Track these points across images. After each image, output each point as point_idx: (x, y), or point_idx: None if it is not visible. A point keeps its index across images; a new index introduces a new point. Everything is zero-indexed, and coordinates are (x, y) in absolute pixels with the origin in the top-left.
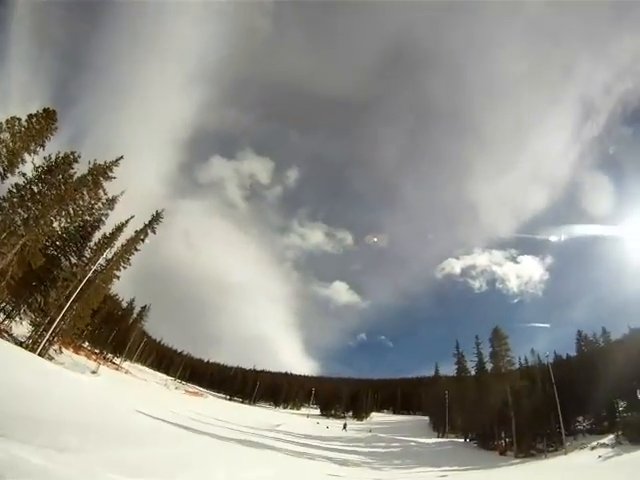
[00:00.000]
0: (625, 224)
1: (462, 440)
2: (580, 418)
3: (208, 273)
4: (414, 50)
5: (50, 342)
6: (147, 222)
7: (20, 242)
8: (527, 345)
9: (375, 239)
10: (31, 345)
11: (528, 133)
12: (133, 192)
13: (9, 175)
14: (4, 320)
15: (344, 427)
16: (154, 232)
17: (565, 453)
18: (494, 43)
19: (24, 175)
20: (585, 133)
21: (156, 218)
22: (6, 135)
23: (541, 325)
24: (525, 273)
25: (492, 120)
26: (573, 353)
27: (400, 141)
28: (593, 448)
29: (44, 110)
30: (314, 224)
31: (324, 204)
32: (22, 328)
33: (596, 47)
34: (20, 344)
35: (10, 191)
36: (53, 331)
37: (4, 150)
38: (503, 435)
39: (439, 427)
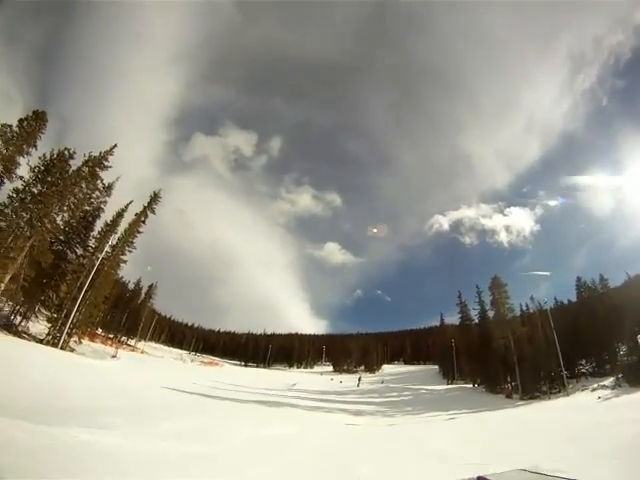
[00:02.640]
0: (620, 174)
1: (470, 386)
2: (582, 361)
3: (209, 246)
4: (398, 9)
5: (69, 334)
6: (146, 204)
7: (28, 244)
8: (528, 293)
9: (375, 230)
10: (52, 340)
11: (519, 86)
12: (127, 177)
13: (6, 181)
14: (21, 322)
15: (358, 382)
16: (154, 212)
17: (567, 394)
18: None
19: (22, 178)
20: (577, 85)
21: (154, 199)
22: None
23: (541, 273)
24: (524, 224)
25: (481, 74)
26: (574, 299)
27: (388, 101)
28: (594, 390)
29: (34, 112)
30: (302, 189)
31: (311, 168)
32: (39, 326)
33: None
34: (40, 342)
35: (10, 196)
36: (71, 323)
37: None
38: (509, 379)
39: (448, 375)
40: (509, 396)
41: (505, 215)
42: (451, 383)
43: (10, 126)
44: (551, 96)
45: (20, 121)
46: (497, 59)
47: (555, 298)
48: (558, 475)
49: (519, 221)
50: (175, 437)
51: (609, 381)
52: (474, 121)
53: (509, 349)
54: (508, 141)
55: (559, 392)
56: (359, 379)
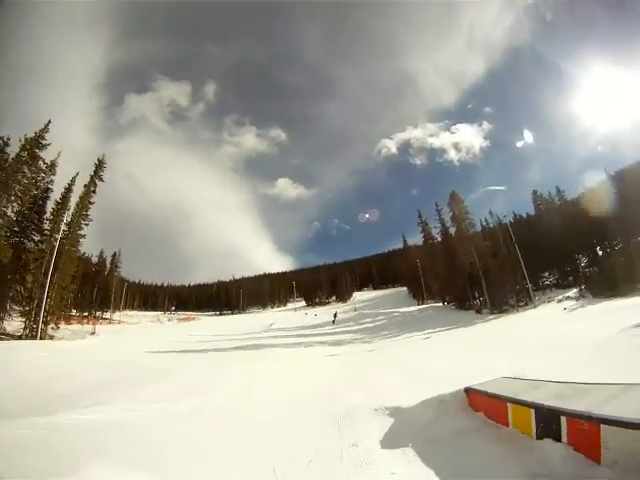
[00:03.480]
0: (571, 86)
1: (441, 304)
2: (546, 274)
3: (163, 203)
4: None
5: (45, 323)
6: (92, 173)
7: None
8: (487, 209)
9: (367, 215)
10: (29, 333)
11: (456, 2)
12: (69, 151)
13: None
14: None
15: (334, 318)
16: (102, 180)
17: (534, 307)
18: None
19: None
20: (519, 1)
21: (100, 165)
22: None
23: (497, 188)
24: (473, 141)
25: None
26: (532, 213)
27: (322, 28)
28: (560, 301)
29: None
30: (243, 129)
31: (250, 108)
32: (15, 323)
33: None
34: (19, 337)
35: None
36: (44, 311)
37: None
38: (477, 295)
39: (418, 295)
40: (479, 311)
41: (453, 133)
42: (422, 303)
43: None
44: (492, 13)
45: None
46: None
47: (514, 212)
48: (535, 379)
49: (468, 138)
50: (163, 399)
51: (573, 292)
52: (413, 40)
53: (474, 265)
54: (450, 58)
55: (526, 305)
56: (334, 315)
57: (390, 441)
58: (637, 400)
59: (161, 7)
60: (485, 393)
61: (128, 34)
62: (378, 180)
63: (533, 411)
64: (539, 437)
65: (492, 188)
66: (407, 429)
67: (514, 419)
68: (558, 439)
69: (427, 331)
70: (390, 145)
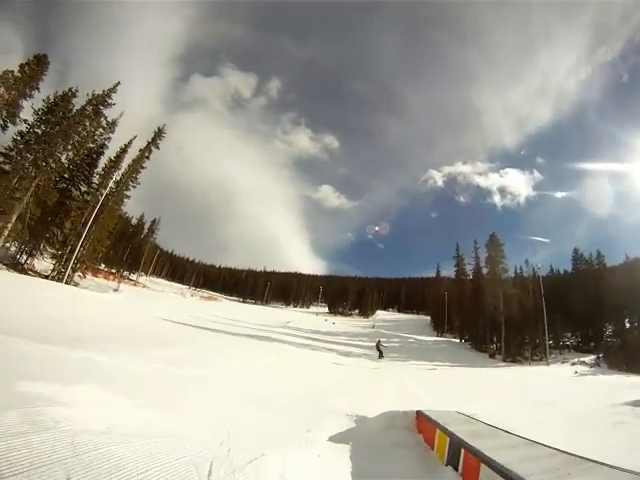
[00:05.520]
0: (628, 158)
1: (458, 340)
2: (569, 334)
3: (210, 182)
4: None
5: (73, 269)
6: (150, 139)
7: (33, 184)
8: (525, 257)
9: (377, 228)
10: (56, 276)
11: (537, 47)
12: (131, 114)
13: (10, 125)
14: (27, 260)
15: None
16: (158, 148)
17: (547, 364)
18: None
19: (26, 121)
20: (598, 56)
21: (158, 134)
22: (1, 90)
23: (541, 239)
24: (521, 188)
25: (498, 29)
26: (570, 270)
27: (399, 42)
28: (573, 364)
29: (35, 56)
30: (298, 129)
31: (310, 110)
32: (45, 263)
33: None
34: (46, 277)
35: (15, 139)
36: (75, 258)
37: (1, 102)
38: (495, 339)
39: (438, 327)
40: (492, 356)
41: (502, 176)
42: (440, 335)
43: (12, 72)
44: (569, 62)
45: (21, 66)
46: (517, 13)
47: (551, 266)
48: (480, 420)
49: (516, 183)
50: (164, 361)
51: (589, 358)
52: (487, 74)
53: (498, 309)
54: (520, 100)
55: (540, 360)
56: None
57: (337, 437)
58: (531, 455)
59: None
60: (427, 418)
61: (212, 15)
62: (420, 206)
63: (449, 439)
64: (447, 463)
65: (536, 239)
66: (358, 432)
67: (438, 444)
68: (457, 468)
69: (435, 363)
70: (437, 177)
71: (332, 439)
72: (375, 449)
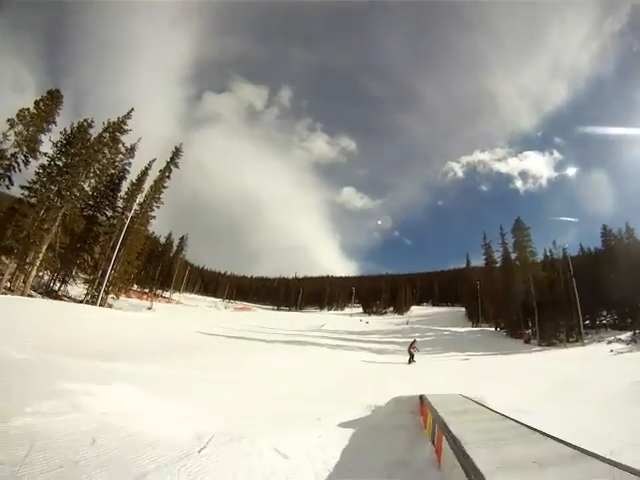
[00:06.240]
0: None
1: (493, 329)
2: (604, 312)
3: (236, 195)
4: None
5: (106, 292)
6: (169, 159)
7: (60, 214)
8: (558, 239)
9: (379, 222)
10: (90, 300)
11: (545, 26)
12: (151, 136)
13: (31, 160)
14: (60, 286)
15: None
16: (177, 167)
17: (583, 345)
18: None
19: (46, 154)
20: (606, 27)
21: (176, 153)
22: (19, 127)
23: (568, 219)
24: (542, 169)
25: (503, 12)
26: (600, 248)
27: (406, 38)
28: (610, 342)
29: (48, 92)
30: (314, 135)
31: (324, 115)
32: (78, 289)
33: None
34: (80, 302)
35: (37, 172)
36: (107, 281)
37: (21, 139)
38: (530, 324)
39: (473, 317)
40: (527, 341)
41: (521, 160)
42: (475, 326)
43: (27, 109)
44: (579, 36)
45: (36, 102)
46: None
47: (580, 245)
48: (482, 404)
49: (536, 166)
50: (201, 369)
51: (625, 335)
52: (497, 58)
53: (529, 293)
54: (533, 80)
55: (576, 341)
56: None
57: (346, 423)
58: (491, 427)
59: (253, 6)
60: (427, 401)
61: (217, 31)
62: (443, 199)
63: (432, 419)
64: (431, 441)
65: (563, 219)
66: (368, 418)
67: (428, 424)
68: (434, 443)
69: (469, 353)
70: (456, 168)
71: (341, 425)
72: (376, 431)
